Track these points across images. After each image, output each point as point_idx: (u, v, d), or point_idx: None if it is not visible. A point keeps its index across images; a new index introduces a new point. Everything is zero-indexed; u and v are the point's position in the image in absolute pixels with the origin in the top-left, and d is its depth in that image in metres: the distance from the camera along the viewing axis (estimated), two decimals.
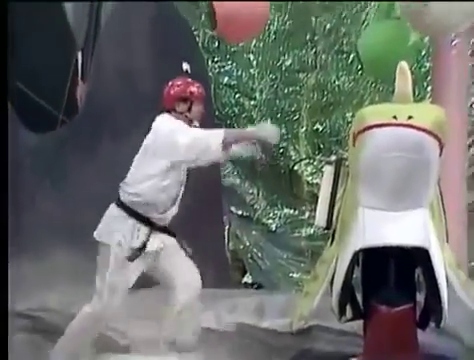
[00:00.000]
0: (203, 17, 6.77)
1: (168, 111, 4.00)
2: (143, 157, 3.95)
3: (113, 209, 3.99)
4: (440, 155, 3.71)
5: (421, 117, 3.63)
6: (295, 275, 6.31)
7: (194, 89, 3.99)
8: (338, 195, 3.95)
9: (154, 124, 3.98)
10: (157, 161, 3.88)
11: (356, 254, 3.72)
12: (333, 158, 4.13)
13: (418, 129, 3.58)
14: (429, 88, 6.31)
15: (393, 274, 3.81)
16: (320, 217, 4.01)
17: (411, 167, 3.61)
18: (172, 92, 3.98)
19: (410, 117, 3.60)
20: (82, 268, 4.35)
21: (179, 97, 3.96)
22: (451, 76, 5.40)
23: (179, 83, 4.01)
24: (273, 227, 6.80)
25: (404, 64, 3.80)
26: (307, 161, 6.69)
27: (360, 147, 3.68)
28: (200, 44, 6.87)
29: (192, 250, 4.11)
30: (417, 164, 3.62)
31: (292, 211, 6.83)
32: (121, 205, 3.95)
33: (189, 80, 4.02)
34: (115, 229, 3.91)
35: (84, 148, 5.70)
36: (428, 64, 6.54)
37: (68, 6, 6.40)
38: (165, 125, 3.92)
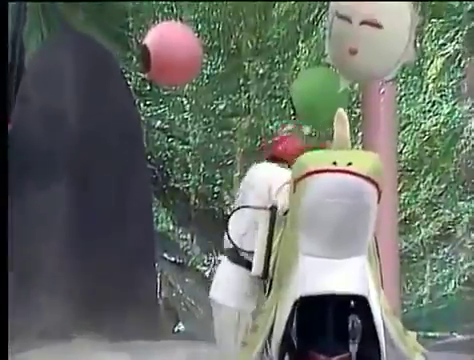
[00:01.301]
0: (135, 59, 6.72)
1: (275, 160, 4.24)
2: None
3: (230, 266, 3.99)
4: (378, 202, 3.70)
5: (360, 163, 3.62)
6: None
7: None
8: (275, 243, 3.88)
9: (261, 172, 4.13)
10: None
11: (296, 303, 3.65)
12: (269, 204, 4.07)
13: (358, 175, 3.57)
14: (360, 134, 6.40)
15: (331, 322, 3.75)
16: (257, 266, 3.93)
17: (351, 213, 3.58)
18: (291, 148, 4.26)
19: (349, 163, 3.59)
20: None
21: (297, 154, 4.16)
22: (380, 123, 5.49)
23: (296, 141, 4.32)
24: (207, 274, 6.69)
25: (342, 111, 3.80)
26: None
27: (300, 193, 3.63)
28: (132, 87, 6.81)
29: (122, 298, 3.98)
30: (357, 210, 3.59)
31: None
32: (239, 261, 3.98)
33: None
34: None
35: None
36: (358, 110, 6.65)
37: None
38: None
